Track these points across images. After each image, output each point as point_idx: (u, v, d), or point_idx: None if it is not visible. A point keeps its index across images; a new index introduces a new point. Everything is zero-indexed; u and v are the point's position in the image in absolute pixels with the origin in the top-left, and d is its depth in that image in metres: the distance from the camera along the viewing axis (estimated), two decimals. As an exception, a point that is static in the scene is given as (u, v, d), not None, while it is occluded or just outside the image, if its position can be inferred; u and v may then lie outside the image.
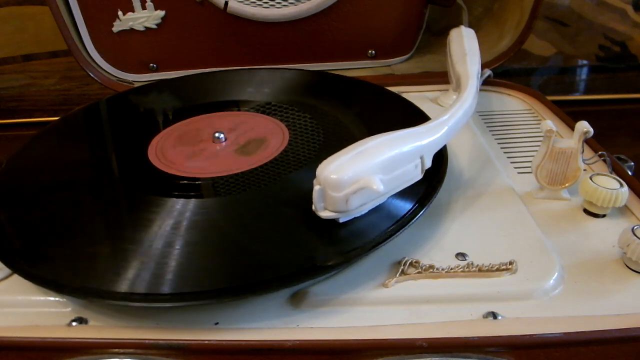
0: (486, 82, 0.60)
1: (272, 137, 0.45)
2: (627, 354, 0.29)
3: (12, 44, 0.73)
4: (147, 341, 0.29)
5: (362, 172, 0.32)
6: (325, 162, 0.32)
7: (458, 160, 0.46)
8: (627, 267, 0.34)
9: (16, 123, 0.77)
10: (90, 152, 0.46)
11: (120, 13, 0.61)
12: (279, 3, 0.62)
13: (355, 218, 0.34)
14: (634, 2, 0.74)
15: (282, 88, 0.54)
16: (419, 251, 0.35)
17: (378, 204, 0.35)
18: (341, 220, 0.34)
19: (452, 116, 0.39)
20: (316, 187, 0.33)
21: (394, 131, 0.35)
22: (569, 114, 0.53)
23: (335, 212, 0.33)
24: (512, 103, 0.58)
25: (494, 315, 0.31)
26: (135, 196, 0.39)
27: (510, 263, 0.33)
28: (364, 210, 0.34)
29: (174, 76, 0.61)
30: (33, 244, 0.35)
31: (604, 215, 0.39)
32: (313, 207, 0.33)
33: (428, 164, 0.36)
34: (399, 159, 0.34)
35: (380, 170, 0.33)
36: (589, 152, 0.42)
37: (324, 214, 0.33)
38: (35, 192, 0.40)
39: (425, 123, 0.37)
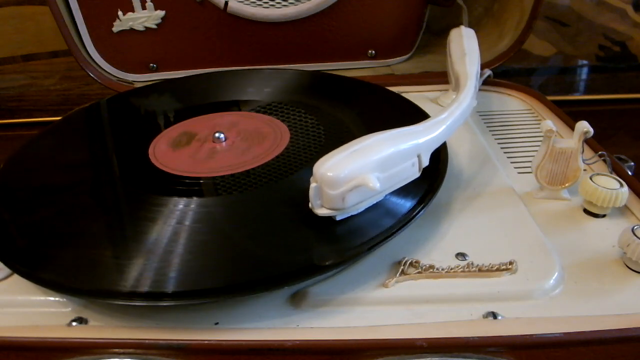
0: (486, 82, 0.60)
1: (272, 137, 0.45)
2: (627, 354, 0.29)
3: (12, 44, 0.73)
4: (147, 341, 0.29)
5: (359, 170, 0.32)
6: (321, 160, 0.33)
7: (458, 160, 0.46)
8: (627, 267, 0.34)
9: (16, 123, 0.77)
10: (91, 152, 0.46)
11: (120, 13, 0.61)
12: (279, 3, 0.62)
13: (354, 217, 0.34)
14: (634, 2, 0.74)
15: (283, 88, 0.54)
16: (419, 251, 0.35)
17: (375, 202, 0.35)
18: (338, 218, 0.34)
19: (449, 115, 0.39)
20: (313, 185, 0.33)
21: (391, 129, 0.35)
22: (569, 114, 0.53)
23: (331, 209, 0.33)
24: (512, 103, 0.58)
25: (494, 315, 0.31)
26: (136, 196, 0.39)
27: (510, 263, 0.33)
28: (361, 208, 0.34)
29: (173, 76, 0.61)
30: (33, 243, 0.35)
31: (604, 215, 0.39)
32: (310, 205, 0.33)
33: (425, 162, 0.36)
34: (395, 157, 0.34)
35: (376, 168, 0.33)
36: (589, 152, 0.42)
37: (321, 211, 0.33)
38: (36, 192, 0.40)
39: (423, 122, 0.37)
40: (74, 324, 0.31)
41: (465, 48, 0.51)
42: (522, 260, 0.34)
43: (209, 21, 0.62)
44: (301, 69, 0.60)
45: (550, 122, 0.39)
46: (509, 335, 0.29)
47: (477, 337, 0.29)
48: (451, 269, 0.33)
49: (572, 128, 0.40)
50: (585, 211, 0.39)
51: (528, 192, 0.42)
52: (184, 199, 0.37)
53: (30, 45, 0.74)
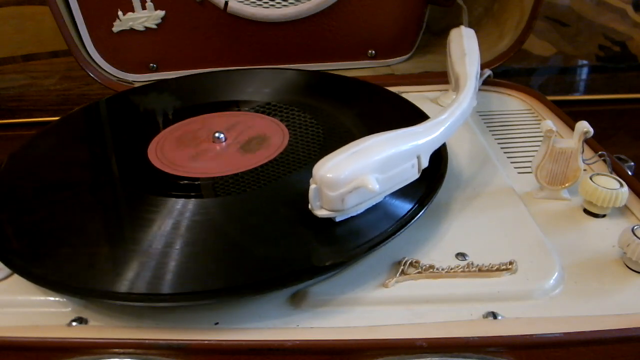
0: (486, 82, 0.60)
1: (272, 137, 0.45)
2: (627, 354, 0.29)
3: (12, 44, 0.73)
4: (147, 341, 0.29)
5: (358, 172, 0.32)
6: (321, 161, 0.33)
7: (458, 160, 0.46)
8: (627, 267, 0.34)
9: (16, 123, 0.77)
10: (90, 152, 0.46)
11: (120, 13, 0.61)
12: (279, 3, 0.62)
13: (355, 218, 0.34)
14: (634, 2, 0.74)
15: (282, 88, 0.54)
16: (419, 251, 0.35)
17: (374, 203, 0.35)
18: (337, 219, 0.34)
19: (449, 116, 0.39)
20: (312, 186, 0.33)
21: (390, 130, 0.35)
22: (569, 114, 0.53)
23: (331, 211, 0.33)
24: (512, 103, 0.58)
25: (494, 315, 0.31)
26: (135, 196, 0.39)
27: (510, 263, 0.33)
28: (360, 209, 0.34)
29: (173, 76, 0.61)
30: (33, 243, 0.35)
31: (604, 215, 0.39)
32: (309, 206, 0.33)
33: (425, 163, 0.36)
34: (395, 159, 0.34)
35: (376, 170, 0.33)
36: (589, 152, 0.42)
37: (320, 212, 0.33)
38: (36, 192, 0.40)
39: (423, 123, 0.37)
40: (74, 324, 0.31)
41: (465, 48, 0.51)
42: (522, 260, 0.34)
43: (209, 21, 0.62)
44: (301, 69, 0.60)
45: (550, 122, 0.39)
46: (509, 335, 0.29)
47: (477, 337, 0.29)
48: (451, 269, 0.33)
49: (572, 128, 0.40)
50: (585, 211, 0.39)
51: (528, 192, 0.42)
52: (183, 199, 0.37)
53: (30, 45, 0.74)
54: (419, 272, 0.33)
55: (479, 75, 0.49)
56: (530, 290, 0.32)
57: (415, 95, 0.59)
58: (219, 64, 0.65)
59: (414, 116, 0.46)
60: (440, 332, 0.29)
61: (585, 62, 0.78)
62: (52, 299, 0.33)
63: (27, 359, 0.30)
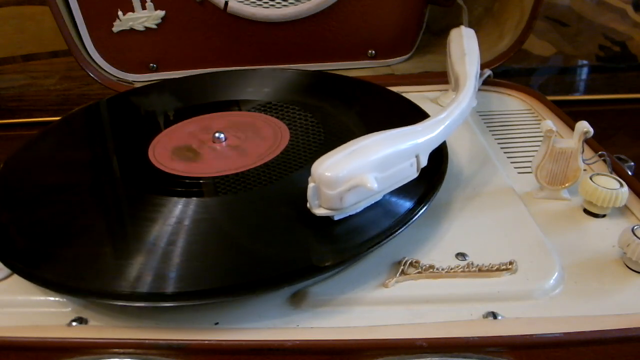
0: (486, 82, 0.60)
1: (272, 137, 0.45)
2: (627, 354, 0.29)
3: (12, 44, 0.73)
4: (147, 341, 0.29)
5: (357, 170, 0.32)
6: (320, 160, 0.33)
7: (458, 159, 0.46)
8: (627, 267, 0.34)
9: (16, 123, 0.77)
10: (91, 152, 0.46)
11: (120, 13, 0.61)
12: (279, 3, 0.62)
13: (353, 217, 0.34)
14: (634, 2, 0.74)
15: (283, 88, 0.54)
16: (419, 251, 0.35)
17: (373, 202, 0.35)
18: (336, 218, 0.34)
19: (448, 115, 0.39)
20: (311, 185, 0.33)
21: (389, 129, 0.35)
22: (569, 114, 0.53)
23: (329, 209, 0.33)
24: (512, 103, 0.58)
25: (494, 315, 0.31)
26: (136, 196, 0.39)
27: (510, 263, 0.33)
28: (359, 208, 0.34)
29: (173, 76, 0.61)
30: (33, 243, 0.35)
31: (604, 215, 0.39)
32: (308, 205, 0.33)
33: (424, 162, 0.36)
34: (394, 157, 0.34)
35: (375, 168, 0.33)
36: (589, 152, 0.42)
37: (319, 211, 0.33)
38: (36, 192, 0.40)
39: (422, 122, 0.37)
40: (74, 324, 0.31)
41: (465, 48, 0.51)
42: (522, 260, 0.34)
43: (209, 21, 0.62)
44: (301, 69, 0.60)
45: (550, 122, 0.39)
46: (509, 335, 0.29)
47: (477, 337, 0.29)
48: (451, 269, 0.33)
49: (572, 128, 0.40)
50: (585, 211, 0.39)
51: (528, 192, 0.42)
52: (184, 199, 0.37)
53: (30, 45, 0.74)
54: (419, 272, 0.33)
55: (478, 75, 0.49)
56: (530, 290, 0.32)
57: (415, 95, 0.59)
58: (219, 64, 0.65)
59: (415, 115, 0.46)
60: (440, 332, 0.29)
61: (585, 62, 0.78)
62: (52, 299, 0.33)
63: (27, 359, 0.30)
